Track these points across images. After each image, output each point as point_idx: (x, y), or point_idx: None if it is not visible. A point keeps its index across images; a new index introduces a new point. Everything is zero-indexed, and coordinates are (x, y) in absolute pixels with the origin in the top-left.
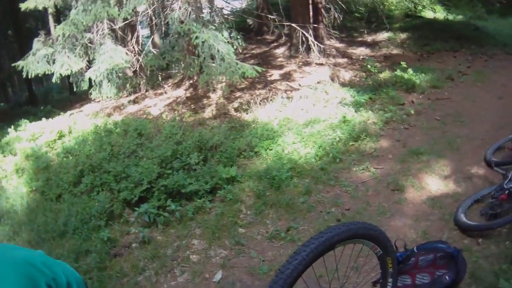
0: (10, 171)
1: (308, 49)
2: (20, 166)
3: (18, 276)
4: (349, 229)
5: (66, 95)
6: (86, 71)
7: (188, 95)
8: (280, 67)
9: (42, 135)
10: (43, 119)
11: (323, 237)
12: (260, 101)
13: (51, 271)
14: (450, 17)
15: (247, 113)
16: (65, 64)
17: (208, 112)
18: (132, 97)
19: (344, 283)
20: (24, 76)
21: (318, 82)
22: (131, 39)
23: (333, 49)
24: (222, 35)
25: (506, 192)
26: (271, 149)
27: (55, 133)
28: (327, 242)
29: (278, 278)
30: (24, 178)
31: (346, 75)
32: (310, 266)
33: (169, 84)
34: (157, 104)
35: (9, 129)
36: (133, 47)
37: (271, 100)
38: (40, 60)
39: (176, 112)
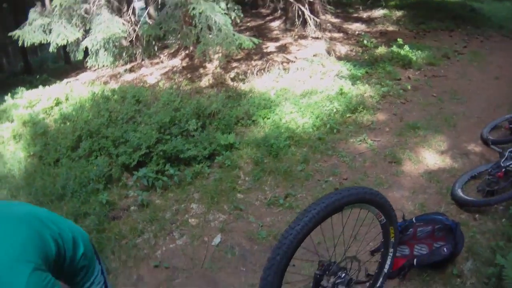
0: (7, 137)
1: (304, 23)
2: (18, 132)
3: (27, 229)
4: (358, 192)
5: (62, 64)
6: (82, 41)
7: (184, 64)
8: (276, 39)
9: (39, 102)
10: (40, 87)
11: (333, 197)
12: (257, 71)
13: (57, 226)
14: None
15: (243, 83)
16: (62, 34)
17: (205, 81)
18: (129, 66)
19: (346, 250)
20: (20, 45)
21: (314, 55)
22: (127, 10)
23: (328, 24)
24: (219, 7)
25: (503, 170)
26: (269, 118)
27: (52, 100)
28: (337, 203)
29: (289, 232)
30: (22, 144)
31: (342, 49)
32: (318, 226)
33: (165, 54)
34: (153, 73)
35: (5, 97)
36: (130, 17)
37: (267, 71)
38: (36, 30)
39: (172, 81)
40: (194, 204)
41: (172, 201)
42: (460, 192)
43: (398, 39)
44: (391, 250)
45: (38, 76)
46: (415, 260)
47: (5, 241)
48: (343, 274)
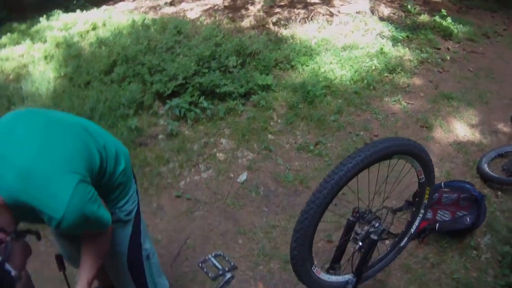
0: (38, 57)
1: None
2: (49, 53)
3: (75, 138)
4: (410, 144)
5: None
6: None
7: (226, 4)
8: None
9: (75, 25)
10: (77, 11)
11: (387, 142)
12: (300, 20)
13: (102, 139)
14: None
15: (285, 29)
16: None
17: (246, 22)
18: None
19: (384, 200)
20: None
21: (357, 12)
22: None
23: None
24: None
25: None
26: (308, 65)
27: (88, 25)
28: (390, 149)
29: (340, 169)
30: (53, 64)
31: (385, 10)
32: (366, 169)
33: None
34: (194, 9)
35: (40, 18)
36: None
37: (310, 20)
38: None
39: (213, 18)
40: (224, 139)
41: (202, 134)
42: (486, 167)
43: (442, 10)
44: (422, 211)
45: (75, 1)
46: (437, 225)
47: (53, 149)
48: (377, 224)
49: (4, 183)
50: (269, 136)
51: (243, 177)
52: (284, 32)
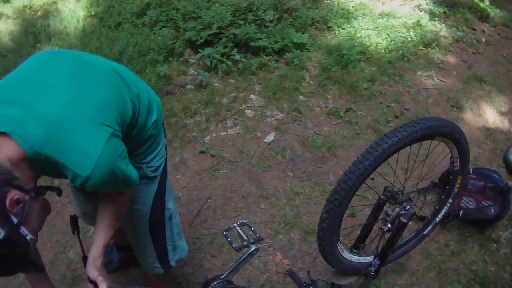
0: None
1: None
2: None
3: (108, 85)
4: (453, 127)
5: None
6: None
7: None
8: None
9: None
10: None
11: (432, 122)
12: None
13: (136, 87)
14: None
15: None
16: None
17: None
18: None
19: (418, 182)
20: None
21: None
22: None
23: None
24: None
25: None
26: (344, 28)
27: None
28: (434, 129)
29: (384, 141)
30: (83, 2)
31: None
32: (409, 145)
33: None
34: None
35: None
36: None
37: None
38: None
39: None
40: (253, 95)
41: (232, 88)
42: None
43: None
44: (450, 200)
45: None
46: (461, 212)
47: (84, 98)
48: (408, 206)
49: (27, 134)
50: (300, 97)
51: (270, 137)
52: None
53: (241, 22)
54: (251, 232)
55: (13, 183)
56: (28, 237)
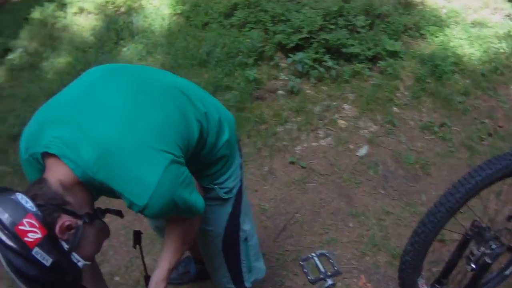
0: None
1: None
2: None
3: (170, 105)
4: None
5: None
6: None
7: None
8: None
9: None
10: None
11: None
12: None
13: (203, 105)
14: None
15: None
16: None
17: None
18: None
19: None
20: None
21: None
22: None
23: None
24: None
25: None
26: (437, 37)
27: None
28: None
29: (478, 173)
30: (168, 0)
31: None
32: (504, 179)
33: None
34: None
35: None
36: None
37: None
38: None
39: None
40: (346, 104)
41: (324, 95)
42: None
43: None
44: None
45: None
46: None
47: (142, 121)
48: (495, 246)
49: (79, 159)
50: (394, 108)
51: (363, 151)
52: None
53: (332, 27)
54: (330, 264)
55: (64, 208)
56: (80, 263)
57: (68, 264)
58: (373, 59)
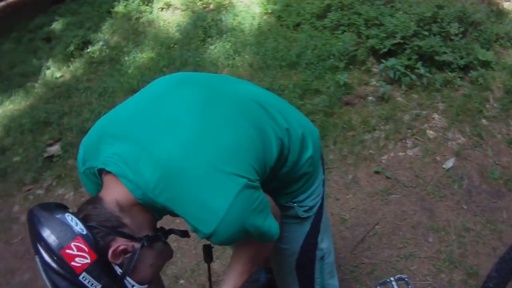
0: None
1: None
2: None
3: (247, 122)
4: None
5: None
6: None
7: None
8: None
9: None
10: None
11: None
12: None
13: (284, 119)
14: None
15: (507, 1)
16: None
17: None
18: None
19: None
20: None
21: None
22: None
23: None
24: None
25: None
26: None
27: None
28: None
29: None
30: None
31: None
32: None
33: None
34: None
35: None
36: None
37: None
38: None
39: None
40: (436, 114)
41: (415, 104)
42: None
43: None
44: None
45: None
46: None
47: (211, 141)
48: None
49: (139, 179)
50: (483, 121)
51: (449, 163)
52: (506, 4)
53: (426, 33)
54: None
55: (120, 231)
56: None
57: None
58: (465, 68)
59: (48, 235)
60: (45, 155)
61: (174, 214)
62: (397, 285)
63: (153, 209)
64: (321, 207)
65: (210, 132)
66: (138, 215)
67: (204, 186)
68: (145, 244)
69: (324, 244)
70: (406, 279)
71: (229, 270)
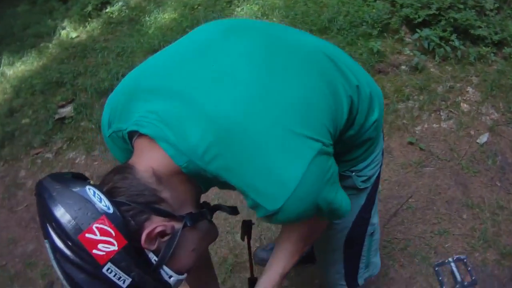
0: None
1: None
2: None
3: (318, 76)
4: None
5: None
6: None
7: None
8: None
9: None
10: None
11: None
12: None
13: (355, 77)
14: None
15: None
16: None
17: None
18: None
19: None
20: None
21: None
22: None
23: None
24: None
25: None
26: None
27: None
28: None
29: None
30: None
31: None
32: None
33: None
34: None
35: None
36: None
37: None
38: None
39: None
40: (470, 87)
41: (448, 76)
42: None
43: None
44: None
45: None
46: None
47: (278, 94)
48: None
49: (182, 142)
50: None
51: (483, 138)
52: None
53: (461, 6)
54: (467, 271)
55: (156, 207)
56: (172, 279)
57: (154, 283)
58: (498, 44)
59: (62, 214)
60: (56, 116)
61: (227, 186)
62: (456, 266)
63: (199, 180)
64: (378, 178)
65: (276, 86)
66: (180, 188)
67: (271, 150)
68: (188, 224)
69: (375, 219)
70: (465, 260)
71: (277, 249)
